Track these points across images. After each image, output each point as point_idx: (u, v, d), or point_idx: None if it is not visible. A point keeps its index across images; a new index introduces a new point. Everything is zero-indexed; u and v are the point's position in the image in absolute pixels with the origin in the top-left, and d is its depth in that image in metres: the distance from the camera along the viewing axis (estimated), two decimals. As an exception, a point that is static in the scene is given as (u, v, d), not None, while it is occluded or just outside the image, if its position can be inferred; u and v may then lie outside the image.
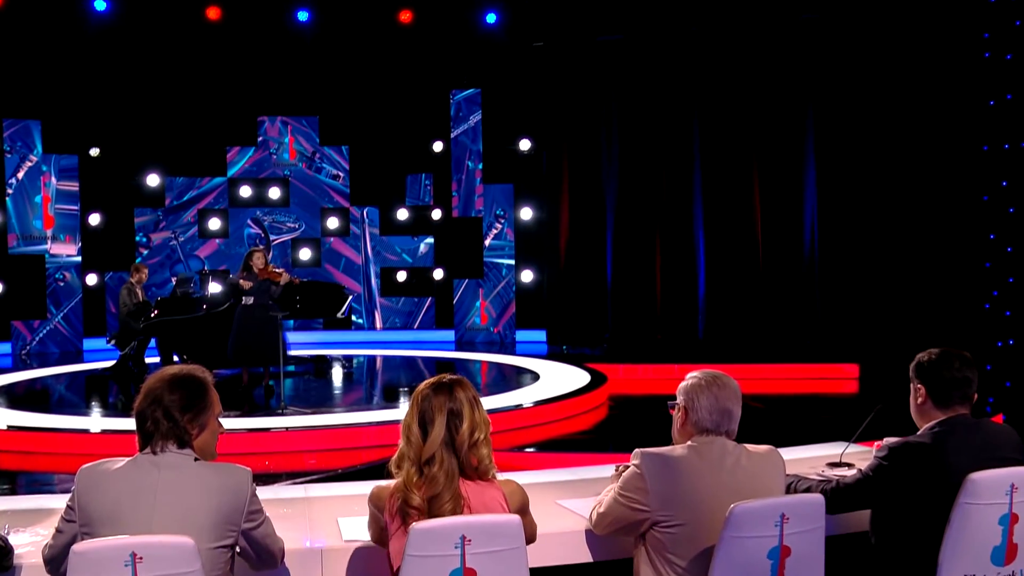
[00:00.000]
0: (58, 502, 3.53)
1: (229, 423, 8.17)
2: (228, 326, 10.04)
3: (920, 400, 3.20)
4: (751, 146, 13.64)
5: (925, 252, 12.44)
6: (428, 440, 2.65)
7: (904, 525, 3.06)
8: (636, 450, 2.92)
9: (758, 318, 13.57)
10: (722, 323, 13.80)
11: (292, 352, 11.07)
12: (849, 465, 3.78)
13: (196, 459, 2.65)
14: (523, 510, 2.76)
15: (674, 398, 3.07)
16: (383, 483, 2.75)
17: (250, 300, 9.56)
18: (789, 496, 2.98)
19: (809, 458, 4.07)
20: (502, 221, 15.13)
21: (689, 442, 2.95)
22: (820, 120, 13.25)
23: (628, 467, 2.95)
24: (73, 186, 14.64)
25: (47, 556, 2.70)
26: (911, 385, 3.26)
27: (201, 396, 2.71)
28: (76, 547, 2.38)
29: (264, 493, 3.89)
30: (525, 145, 14.99)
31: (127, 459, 2.66)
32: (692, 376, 3.04)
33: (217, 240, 15.84)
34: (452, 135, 15.36)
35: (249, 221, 15.99)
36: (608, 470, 3.48)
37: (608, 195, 14.32)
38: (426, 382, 2.75)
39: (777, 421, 8.80)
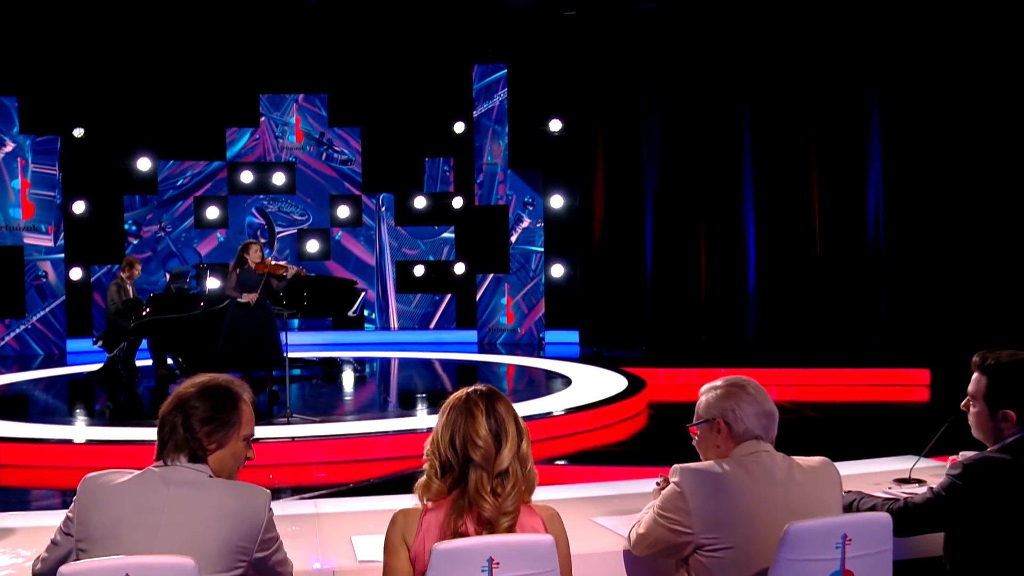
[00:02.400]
0: (36, 520, 3.57)
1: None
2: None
3: (1006, 425, 3.11)
4: (808, 123, 13.54)
5: (1006, 241, 12.31)
6: (503, 449, 2.65)
7: (983, 550, 3.03)
8: (675, 466, 2.90)
9: (816, 317, 13.49)
10: (775, 322, 13.73)
11: (295, 354, 11.11)
12: (919, 482, 3.75)
13: (211, 476, 2.66)
14: (558, 539, 2.75)
15: (695, 419, 3.03)
16: (408, 507, 2.72)
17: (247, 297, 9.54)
18: (852, 514, 2.96)
19: (874, 473, 4.05)
20: (530, 209, 15.13)
21: (733, 454, 2.92)
22: (887, 92, 13.12)
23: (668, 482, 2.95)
24: (54, 170, 14.64)
25: (37, 570, 2.72)
26: (982, 405, 3.15)
27: (228, 410, 2.71)
28: (64, 569, 2.39)
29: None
30: (555, 125, 14.97)
31: (136, 472, 2.66)
32: (713, 388, 3.00)
33: (217, 231, 15.93)
34: (475, 115, 15.38)
35: (254, 210, 16.08)
36: (648, 485, 3.48)
37: (647, 180, 14.27)
38: (470, 388, 2.76)
39: (837, 432, 8.76)
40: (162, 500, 2.57)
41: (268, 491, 2.69)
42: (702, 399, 3.01)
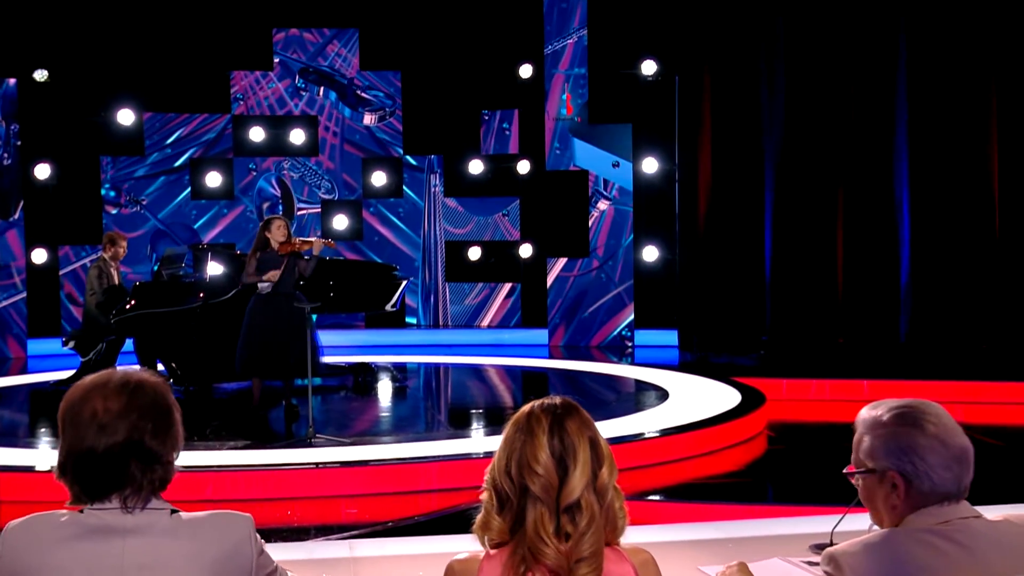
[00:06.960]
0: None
1: (236, 457, 8.34)
2: (233, 322, 10.11)
3: None
4: (984, 68, 13.38)
5: None
6: (571, 477, 2.62)
7: None
8: (827, 551, 2.64)
9: (991, 315, 13.35)
10: (935, 321, 13.60)
11: (325, 359, 11.19)
12: None
13: (173, 511, 2.59)
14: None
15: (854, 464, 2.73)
16: (463, 555, 2.71)
17: (267, 287, 9.63)
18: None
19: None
20: (615, 176, 15.11)
21: (910, 522, 2.61)
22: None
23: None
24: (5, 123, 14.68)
25: None
26: None
27: (168, 414, 2.63)
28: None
29: (294, 552, 4.00)
30: (650, 69, 14.94)
31: (70, 513, 2.58)
32: (876, 424, 2.64)
33: (221, 203, 16.09)
34: (545, 54, 15.39)
35: (273, 180, 16.23)
36: (770, 526, 3.49)
37: (768, 140, 14.20)
38: (538, 402, 2.74)
39: None
40: (118, 553, 2.51)
41: (248, 515, 2.65)
42: (864, 437, 2.67)
